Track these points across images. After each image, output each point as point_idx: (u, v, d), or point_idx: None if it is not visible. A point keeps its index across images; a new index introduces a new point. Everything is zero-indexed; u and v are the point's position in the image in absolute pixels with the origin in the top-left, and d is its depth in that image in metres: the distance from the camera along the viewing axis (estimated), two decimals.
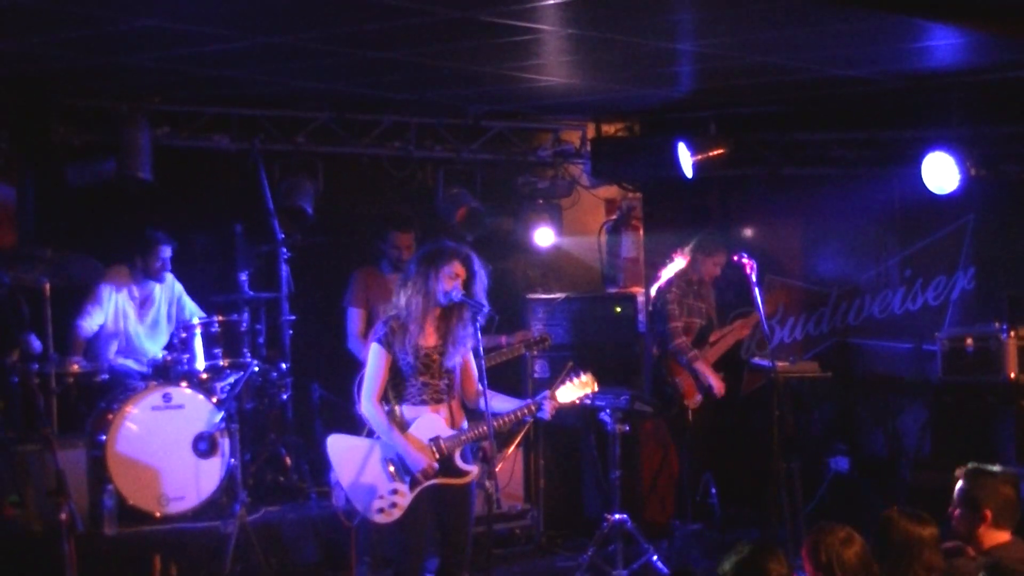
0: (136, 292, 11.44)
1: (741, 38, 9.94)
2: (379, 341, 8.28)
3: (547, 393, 8.40)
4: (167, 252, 11.42)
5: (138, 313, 11.44)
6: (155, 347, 11.43)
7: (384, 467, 8.23)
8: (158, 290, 11.55)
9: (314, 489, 11.35)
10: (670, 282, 11.74)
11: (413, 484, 8.20)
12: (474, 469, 8.37)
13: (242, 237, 11.83)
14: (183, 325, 11.10)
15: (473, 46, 9.96)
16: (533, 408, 8.36)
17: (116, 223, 11.75)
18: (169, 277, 11.56)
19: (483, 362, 8.32)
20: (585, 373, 8.53)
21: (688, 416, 11.54)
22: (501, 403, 8.44)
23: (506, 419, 8.38)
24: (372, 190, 13.01)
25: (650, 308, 12.15)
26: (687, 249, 11.88)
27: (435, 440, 8.21)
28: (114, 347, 11.32)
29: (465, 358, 8.39)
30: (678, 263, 11.84)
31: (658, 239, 13.68)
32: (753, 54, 10.48)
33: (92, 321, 11.19)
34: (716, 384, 11.51)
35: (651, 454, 12.85)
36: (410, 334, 8.20)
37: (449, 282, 8.21)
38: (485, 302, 8.32)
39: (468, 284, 8.28)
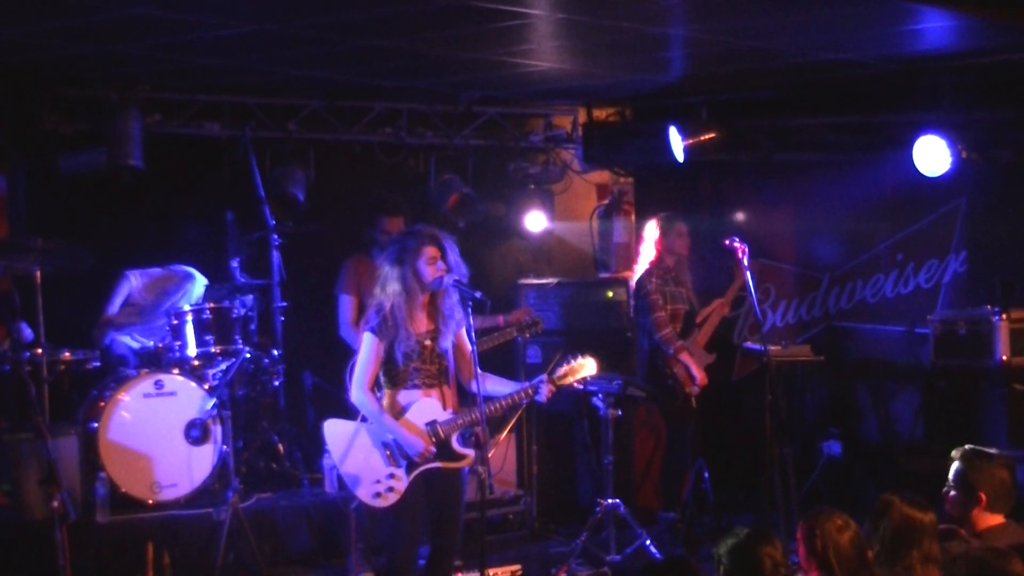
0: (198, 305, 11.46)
1: (732, 23, 9.93)
2: (373, 331, 8.26)
3: (543, 377, 8.39)
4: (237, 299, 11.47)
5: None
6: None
7: (381, 451, 8.23)
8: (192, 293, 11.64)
9: (307, 476, 11.35)
10: (648, 273, 11.67)
11: (410, 468, 8.21)
12: (471, 452, 8.37)
13: (233, 224, 11.81)
14: (175, 312, 11.07)
15: (464, 32, 9.95)
16: (530, 392, 8.36)
17: (108, 211, 11.74)
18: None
19: (475, 346, 8.32)
20: (584, 356, 8.52)
21: (692, 404, 11.53)
22: (498, 386, 8.45)
23: (502, 403, 8.39)
24: (364, 177, 12.99)
25: (631, 301, 12.12)
26: (652, 238, 11.79)
27: (432, 424, 8.22)
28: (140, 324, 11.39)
29: (460, 338, 8.38)
30: (649, 251, 11.77)
31: None
32: (744, 39, 10.48)
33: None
34: (699, 375, 11.46)
35: (644, 440, 12.84)
36: (401, 325, 8.19)
37: (431, 268, 8.20)
38: (464, 269, 8.33)
39: (443, 257, 8.26)
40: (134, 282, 11.37)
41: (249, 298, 11.34)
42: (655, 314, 11.49)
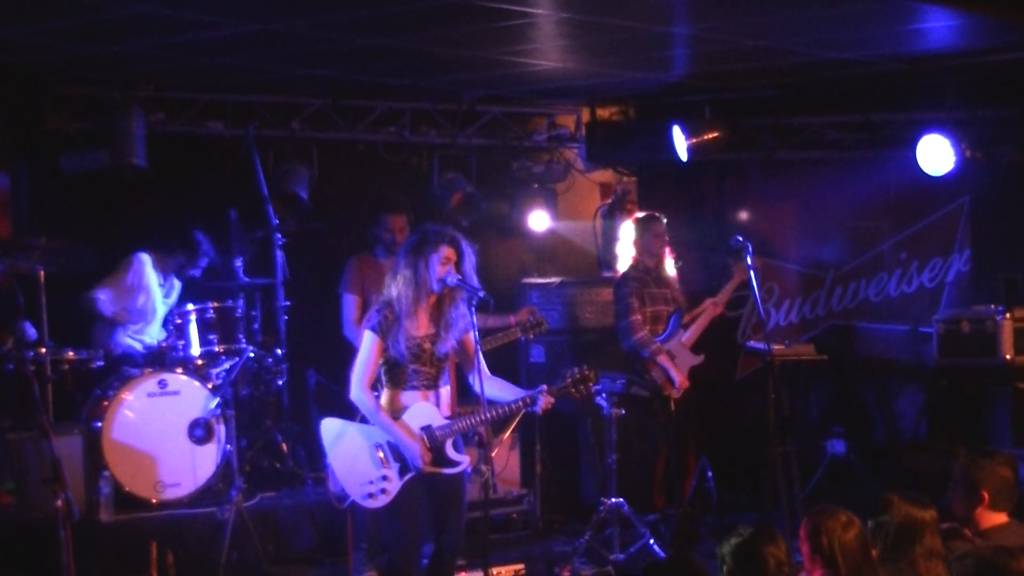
0: (163, 281, 11.45)
1: (735, 21, 9.93)
2: (373, 329, 8.25)
3: (543, 387, 8.36)
4: (204, 263, 11.43)
5: (163, 302, 11.46)
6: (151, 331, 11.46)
7: (374, 452, 8.22)
8: (177, 287, 11.58)
9: (310, 475, 11.34)
10: (625, 275, 11.63)
11: (403, 471, 8.19)
12: (465, 459, 8.34)
13: (237, 223, 11.79)
14: (178, 312, 11.07)
15: (467, 31, 9.95)
16: (528, 401, 8.33)
17: (111, 211, 11.74)
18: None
19: (479, 346, 8.31)
20: (587, 369, 8.47)
21: (671, 407, 11.45)
22: (501, 391, 8.42)
23: (500, 411, 8.36)
24: (367, 176, 13.00)
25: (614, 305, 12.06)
26: (629, 240, 11.76)
27: (427, 429, 8.19)
28: (130, 329, 11.34)
29: (466, 338, 8.37)
30: (627, 253, 11.74)
31: None
32: (747, 37, 10.48)
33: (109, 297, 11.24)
34: (678, 378, 11.38)
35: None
36: (402, 325, 8.18)
37: (442, 267, 8.18)
38: (476, 281, 8.29)
39: (458, 264, 8.25)
40: (103, 297, 11.31)
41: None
42: (630, 317, 11.44)
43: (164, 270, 11.46)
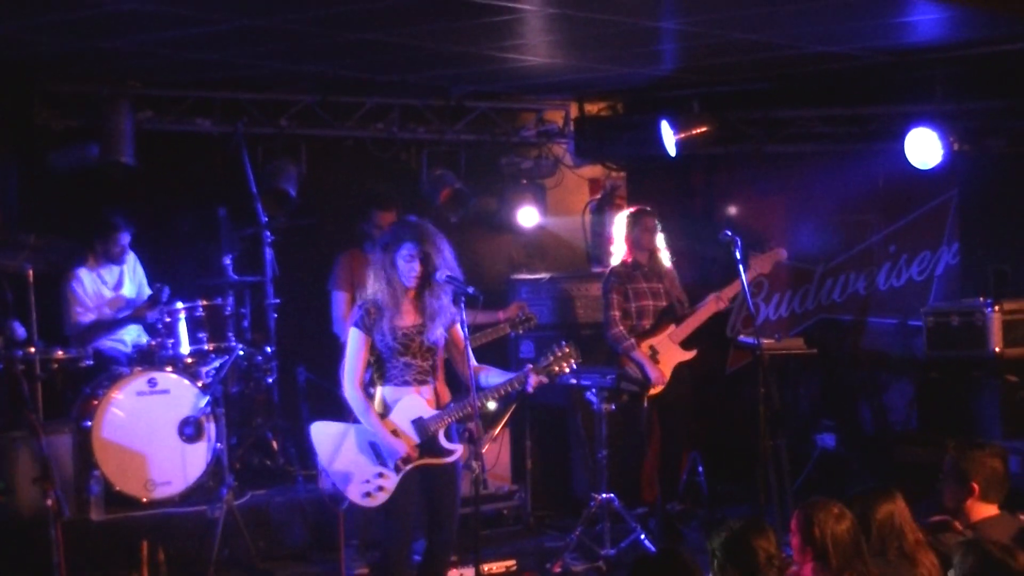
0: (106, 276, 11.39)
1: (724, 15, 9.93)
2: (357, 325, 8.24)
3: (529, 367, 8.37)
4: (126, 239, 11.34)
5: (112, 297, 11.39)
6: (131, 329, 11.40)
7: (369, 451, 8.21)
8: (126, 272, 11.51)
9: (301, 472, 11.33)
10: (609, 272, 11.59)
11: (398, 467, 8.18)
12: (459, 448, 8.35)
13: (226, 221, 11.80)
14: (167, 310, 11.04)
15: (456, 26, 9.95)
16: (518, 383, 8.31)
17: (100, 208, 11.71)
18: (131, 258, 11.51)
19: (468, 341, 8.30)
20: (568, 345, 8.48)
21: (644, 403, 11.39)
22: (492, 377, 8.42)
23: (491, 393, 8.37)
24: (356, 172, 12.99)
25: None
26: (620, 234, 11.70)
27: (418, 421, 8.19)
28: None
29: (455, 333, 8.35)
30: (619, 247, 11.69)
31: None
32: (736, 31, 10.48)
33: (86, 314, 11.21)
34: (654, 374, 11.30)
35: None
36: (387, 317, 8.16)
37: (407, 264, 8.16)
38: (459, 270, 8.28)
39: (428, 258, 8.21)
40: (84, 319, 11.29)
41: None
42: (608, 312, 11.40)
43: (99, 265, 11.38)
